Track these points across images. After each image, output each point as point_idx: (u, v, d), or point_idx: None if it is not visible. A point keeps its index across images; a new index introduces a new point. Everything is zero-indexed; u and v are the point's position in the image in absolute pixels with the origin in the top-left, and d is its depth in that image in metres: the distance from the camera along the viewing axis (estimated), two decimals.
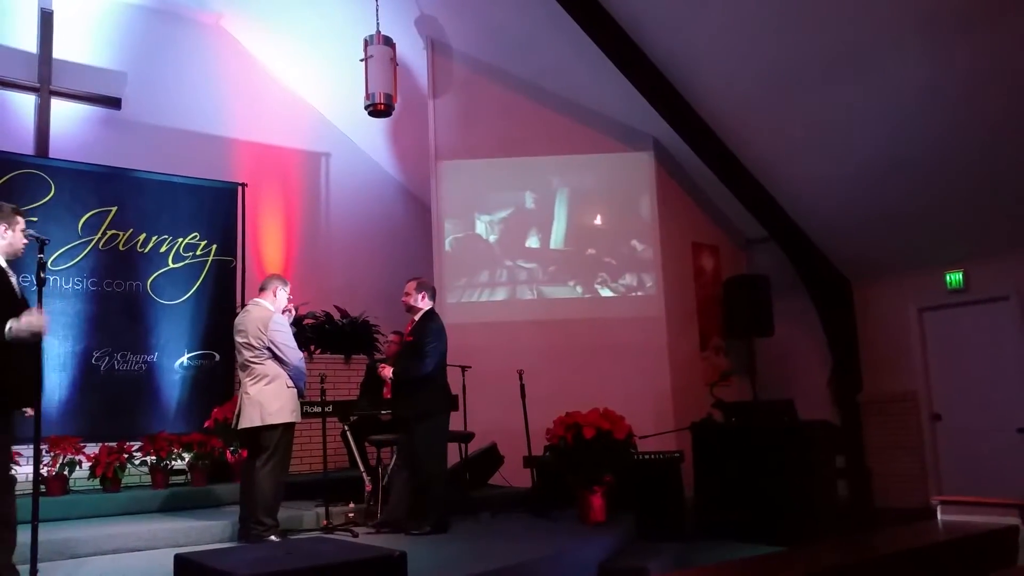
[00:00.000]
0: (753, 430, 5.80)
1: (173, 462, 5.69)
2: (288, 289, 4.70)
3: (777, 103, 6.13)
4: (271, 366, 4.42)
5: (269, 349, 4.42)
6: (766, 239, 7.41)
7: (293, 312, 4.81)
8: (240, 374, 4.56)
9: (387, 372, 4.83)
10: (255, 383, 4.42)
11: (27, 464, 4.84)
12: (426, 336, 4.71)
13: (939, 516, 4.37)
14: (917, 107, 5.64)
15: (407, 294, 4.84)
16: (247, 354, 4.46)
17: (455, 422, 5.95)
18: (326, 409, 5.17)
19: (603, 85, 6.66)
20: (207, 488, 5.59)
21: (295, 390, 4.50)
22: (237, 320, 4.63)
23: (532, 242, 7.16)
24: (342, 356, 7.03)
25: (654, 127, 6.86)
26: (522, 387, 5.58)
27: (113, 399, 6.17)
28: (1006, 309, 6.42)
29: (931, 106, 5.59)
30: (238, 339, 4.50)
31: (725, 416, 6.13)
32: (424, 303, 4.81)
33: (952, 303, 6.75)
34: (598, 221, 7.18)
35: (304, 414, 4.71)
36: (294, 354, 4.49)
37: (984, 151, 5.71)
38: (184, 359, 6.52)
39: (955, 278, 6.69)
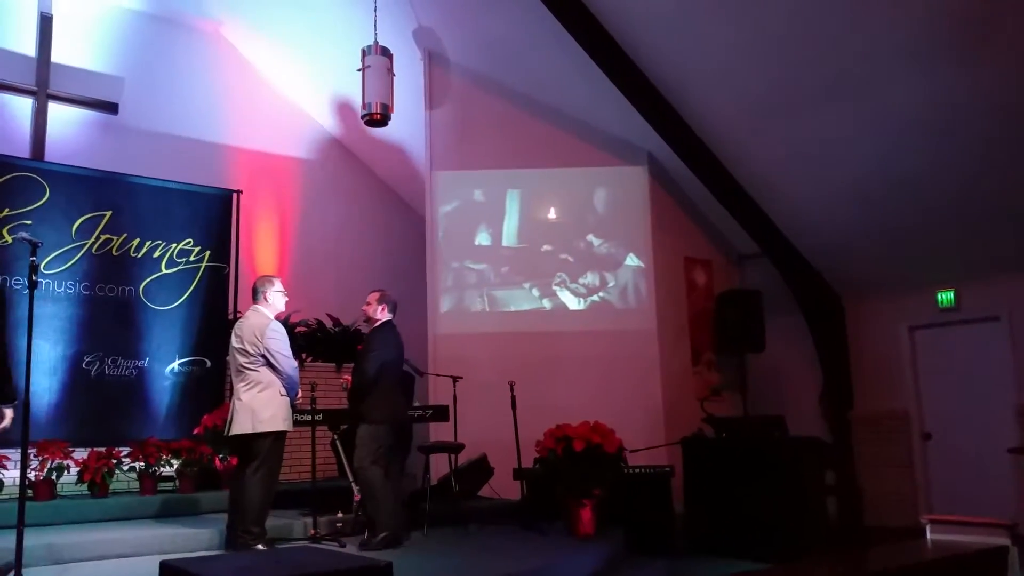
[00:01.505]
0: (743, 446, 5.79)
1: (161, 469, 5.66)
2: (277, 285, 4.67)
3: (772, 123, 6.18)
4: (265, 373, 4.41)
5: (264, 356, 4.41)
6: (759, 255, 7.44)
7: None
8: (233, 380, 4.54)
9: (348, 379, 4.90)
10: (248, 390, 4.41)
11: (14, 468, 4.83)
12: (371, 344, 4.75)
13: (928, 535, 4.38)
14: (910, 129, 5.70)
15: (368, 303, 4.91)
16: (242, 360, 4.44)
17: (444, 432, 5.96)
18: (316, 418, 5.17)
19: (598, 99, 6.70)
20: (195, 495, 5.57)
21: (288, 398, 4.49)
22: (236, 326, 4.63)
23: (523, 253, 7.17)
24: (334, 364, 7.03)
25: (649, 142, 6.90)
26: (513, 399, 5.57)
27: (103, 404, 6.14)
28: (997, 329, 6.47)
29: (924, 128, 5.65)
30: (235, 344, 4.50)
31: (716, 431, 6.11)
32: (382, 315, 4.86)
33: (943, 322, 6.79)
34: (591, 234, 7.21)
35: (294, 422, 4.69)
36: (288, 363, 4.48)
37: (975, 172, 5.77)
38: (175, 365, 6.51)
39: (946, 297, 6.74)
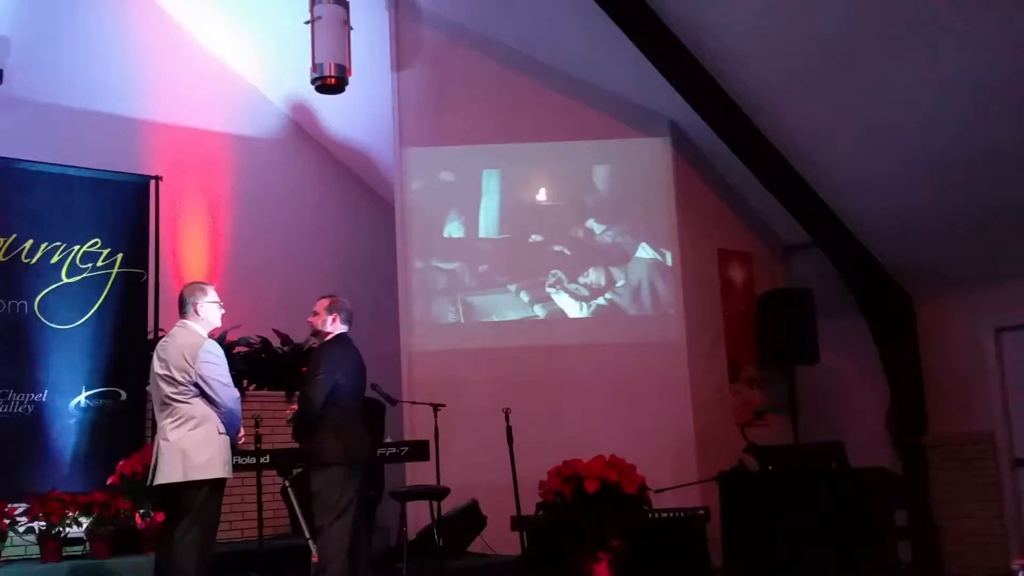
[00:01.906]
0: (794, 480, 5.88)
1: (68, 529, 5.62)
2: (211, 295, 4.62)
3: (826, 83, 6.20)
4: (199, 406, 4.36)
5: (196, 385, 4.36)
6: (809, 245, 7.50)
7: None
8: (157, 415, 4.49)
9: (295, 409, 4.86)
10: (177, 427, 4.34)
11: None
12: (318, 364, 4.70)
13: None
14: (995, 94, 5.72)
15: (315, 314, 4.86)
16: (168, 390, 4.38)
17: (425, 474, 5.94)
18: (262, 460, 5.15)
19: (608, 56, 6.72)
20: (110, 561, 5.55)
21: (227, 437, 4.45)
22: (159, 346, 4.58)
23: (517, 248, 7.18)
24: (283, 393, 6.99)
25: (672, 109, 6.93)
26: (509, 429, 5.57)
27: None
28: None
29: (1012, 94, 5.66)
30: (158, 370, 4.45)
31: (760, 463, 6.18)
32: (333, 327, 4.83)
33: None
34: (599, 222, 7.21)
35: (235, 466, 4.65)
36: (227, 392, 4.43)
37: None
38: (82, 398, 6.45)
39: None
